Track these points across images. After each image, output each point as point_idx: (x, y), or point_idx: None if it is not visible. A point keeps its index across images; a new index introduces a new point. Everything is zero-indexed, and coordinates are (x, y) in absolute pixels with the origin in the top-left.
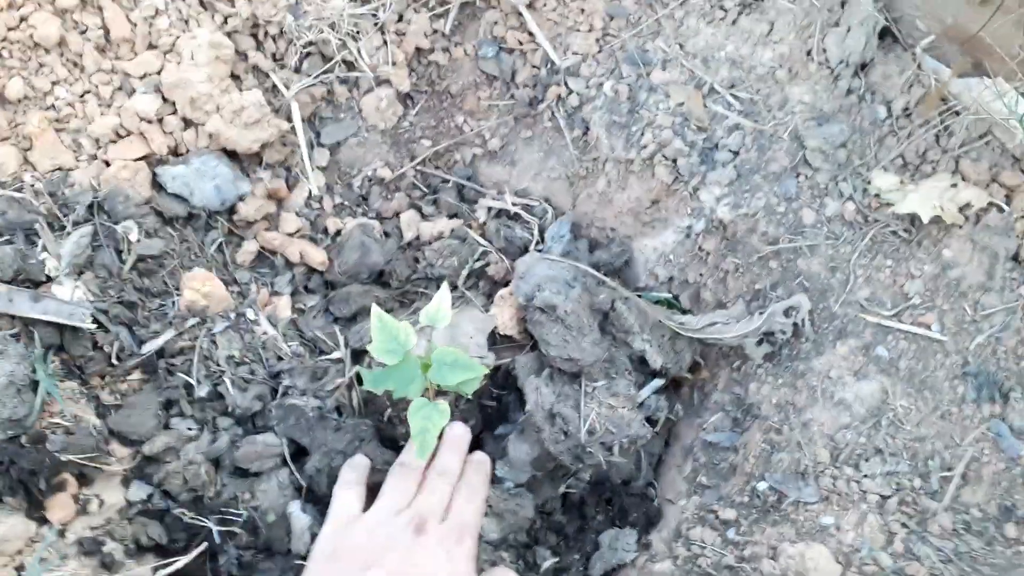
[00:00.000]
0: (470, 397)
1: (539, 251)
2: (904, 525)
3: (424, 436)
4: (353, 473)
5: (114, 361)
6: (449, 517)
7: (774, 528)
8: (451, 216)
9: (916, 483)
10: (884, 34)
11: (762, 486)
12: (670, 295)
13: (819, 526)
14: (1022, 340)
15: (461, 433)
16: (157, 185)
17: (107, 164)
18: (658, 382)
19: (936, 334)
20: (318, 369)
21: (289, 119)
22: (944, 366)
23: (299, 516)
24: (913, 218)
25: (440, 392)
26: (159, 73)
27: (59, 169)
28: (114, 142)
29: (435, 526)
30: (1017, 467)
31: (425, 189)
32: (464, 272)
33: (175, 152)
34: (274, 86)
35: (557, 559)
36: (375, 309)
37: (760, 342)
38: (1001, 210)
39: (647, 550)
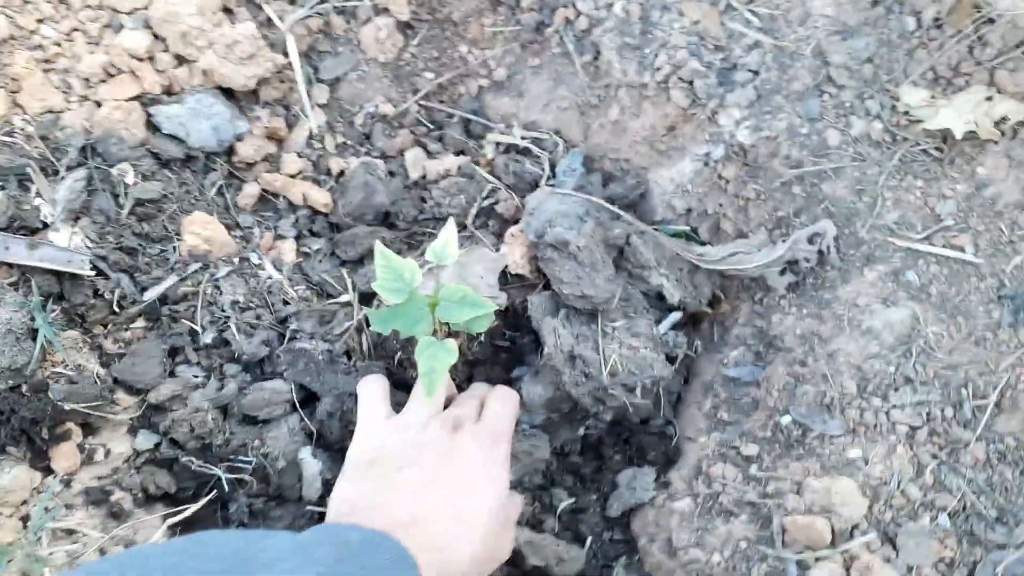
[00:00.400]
0: (482, 339)
1: (550, 186)
2: (935, 456)
3: (431, 375)
4: (375, 386)
5: (116, 309)
6: (483, 421)
7: (798, 463)
8: (458, 153)
9: (948, 412)
10: None
11: (786, 420)
12: (688, 227)
13: (845, 459)
14: None
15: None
16: (152, 126)
17: (98, 105)
18: (676, 316)
19: (970, 256)
20: (326, 313)
21: (285, 54)
22: (978, 290)
23: (310, 462)
24: (945, 135)
25: (451, 333)
26: (148, 8)
27: (49, 111)
28: (104, 81)
29: (471, 426)
30: None
31: (430, 125)
32: (473, 210)
33: (169, 91)
34: (268, 19)
35: (574, 500)
36: (379, 246)
37: (783, 271)
38: None
39: (666, 489)
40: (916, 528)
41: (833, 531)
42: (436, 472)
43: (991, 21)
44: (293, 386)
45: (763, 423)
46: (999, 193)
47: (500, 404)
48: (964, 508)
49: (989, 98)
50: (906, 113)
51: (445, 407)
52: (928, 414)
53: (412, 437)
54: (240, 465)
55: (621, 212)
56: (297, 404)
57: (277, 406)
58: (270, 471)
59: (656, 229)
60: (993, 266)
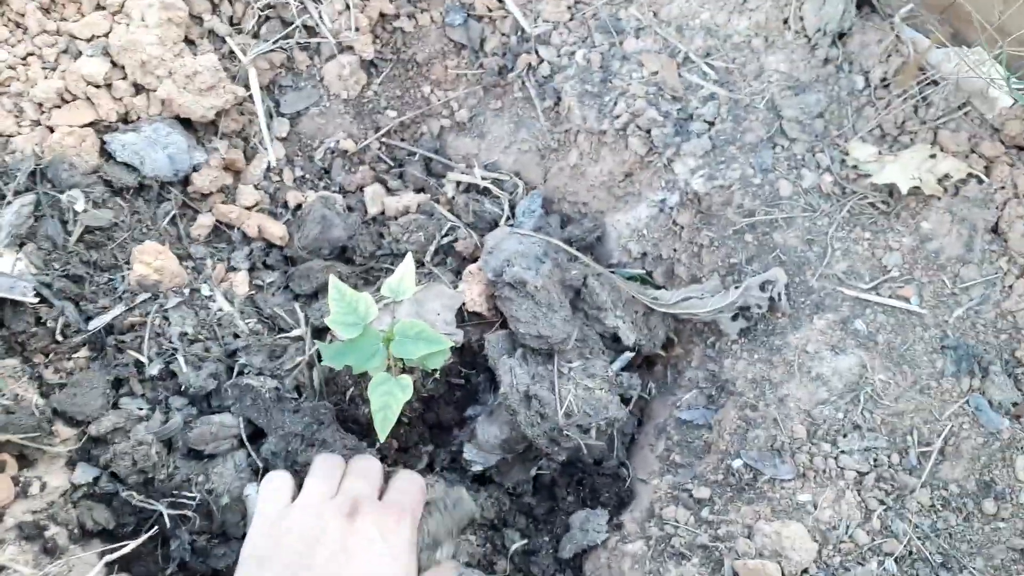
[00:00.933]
0: (436, 376)
1: (509, 226)
2: (882, 502)
3: (385, 412)
4: (279, 484)
5: (59, 337)
6: (385, 499)
7: (749, 506)
8: (418, 190)
9: (894, 459)
10: (862, 3)
11: (737, 464)
12: (643, 271)
13: (796, 504)
14: (1001, 313)
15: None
16: (106, 153)
17: (51, 130)
18: (628, 355)
19: (915, 307)
20: (276, 347)
21: (246, 86)
22: (923, 340)
23: (255, 499)
24: (891, 189)
25: (406, 369)
26: (107, 35)
27: None
28: (59, 107)
29: (369, 507)
30: (996, 442)
31: (390, 162)
32: (431, 248)
33: (125, 119)
34: (231, 52)
35: (526, 541)
36: (333, 280)
37: (735, 317)
38: (980, 181)
39: (619, 531)
40: (864, 573)
41: (783, 575)
42: (330, 568)
43: (935, 83)
44: (241, 421)
45: (715, 466)
46: (942, 247)
47: (406, 482)
48: (910, 553)
49: (933, 156)
50: (855, 167)
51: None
52: (875, 460)
53: (307, 530)
54: (183, 501)
55: (579, 254)
56: (245, 439)
57: (224, 441)
58: (214, 508)
59: (612, 272)
60: (937, 317)
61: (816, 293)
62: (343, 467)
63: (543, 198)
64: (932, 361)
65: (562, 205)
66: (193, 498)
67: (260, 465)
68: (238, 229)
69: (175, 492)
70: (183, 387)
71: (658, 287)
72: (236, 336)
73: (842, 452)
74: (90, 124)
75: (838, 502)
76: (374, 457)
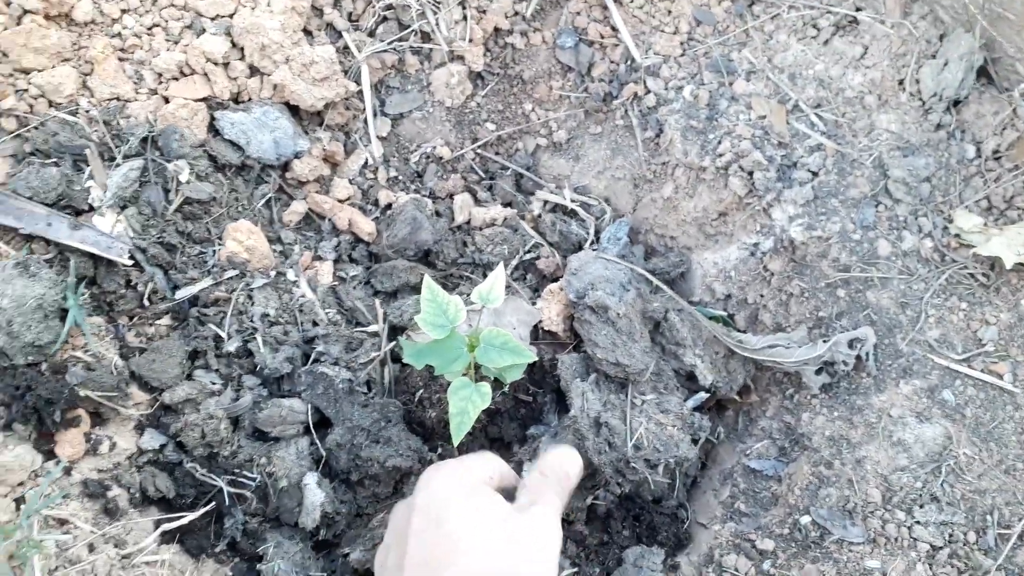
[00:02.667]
0: (506, 389)
1: (594, 250)
2: None
3: (462, 417)
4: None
5: (145, 302)
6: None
7: (814, 565)
8: (506, 204)
9: (971, 536)
10: (981, 73)
11: (805, 520)
12: (725, 313)
13: (863, 568)
14: None
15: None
16: (214, 129)
17: (166, 100)
18: (702, 396)
19: (1008, 384)
20: (353, 340)
21: (357, 82)
22: (1013, 419)
23: (313, 490)
24: (994, 263)
25: (480, 377)
26: (232, 16)
27: (116, 99)
28: (176, 79)
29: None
30: None
31: (482, 174)
32: (513, 262)
33: (236, 99)
34: (346, 47)
35: (576, 570)
36: (427, 279)
37: (820, 371)
38: None
39: (674, 572)
40: None
41: None
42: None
43: None
44: (309, 408)
45: (781, 519)
46: None
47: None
48: None
49: None
50: (957, 236)
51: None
52: (951, 535)
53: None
54: (244, 480)
55: (662, 286)
56: (312, 427)
57: (291, 426)
58: (271, 491)
59: (694, 308)
60: None
61: (905, 357)
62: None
63: (630, 227)
64: (1021, 442)
65: (648, 237)
66: (253, 479)
67: (323, 454)
68: (328, 220)
69: (236, 470)
70: (258, 367)
71: (741, 331)
72: (315, 324)
73: (917, 523)
74: (203, 99)
75: (908, 573)
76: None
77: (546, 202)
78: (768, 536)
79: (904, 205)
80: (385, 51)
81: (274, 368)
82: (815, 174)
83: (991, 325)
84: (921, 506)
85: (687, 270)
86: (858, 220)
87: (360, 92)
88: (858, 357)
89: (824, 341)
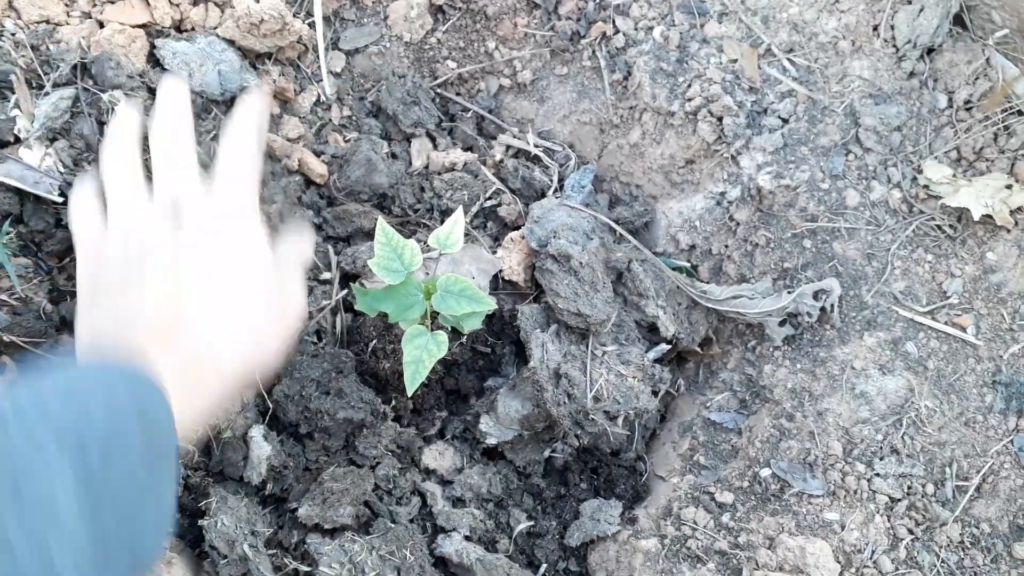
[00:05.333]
0: (463, 340)
1: (557, 198)
2: (911, 531)
3: (417, 366)
4: (87, 188)
5: None
6: (214, 195)
7: (773, 517)
8: (466, 148)
9: (929, 489)
10: (956, 21)
11: (765, 472)
12: (689, 264)
13: (822, 521)
14: None
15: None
16: (154, 59)
17: (101, 25)
18: (663, 347)
19: (971, 337)
20: None
21: (310, 13)
22: (975, 372)
23: (260, 443)
24: (961, 215)
25: (437, 326)
26: None
27: (46, 21)
28: (112, 2)
29: (199, 208)
30: None
31: (441, 116)
32: (473, 209)
33: (179, 27)
34: None
35: (532, 523)
36: (381, 222)
37: (783, 322)
38: None
39: (632, 525)
40: None
41: None
42: (167, 275)
43: (1020, 113)
44: None
45: (741, 472)
46: (1005, 280)
47: (235, 149)
48: None
49: (1008, 187)
50: (926, 187)
51: None
52: (910, 488)
53: (129, 249)
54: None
55: (627, 235)
56: (257, 378)
57: None
58: (214, 444)
59: (658, 259)
60: (992, 350)
61: (870, 309)
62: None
63: (595, 174)
64: (981, 395)
65: (613, 185)
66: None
67: (270, 406)
68: (276, 160)
69: None
70: None
71: (704, 282)
72: None
73: (877, 475)
74: (142, 26)
75: (866, 525)
76: (179, 113)
77: (509, 147)
78: (727, 489)
79: (874, 154)
80: None
81: None
82: (785, 121)
83: (956, 277)
84: (881, 458)
85: (652, 220)
86: (827, 169)
87: (312, 24)
88: (822, 309)
89: (788, 292)
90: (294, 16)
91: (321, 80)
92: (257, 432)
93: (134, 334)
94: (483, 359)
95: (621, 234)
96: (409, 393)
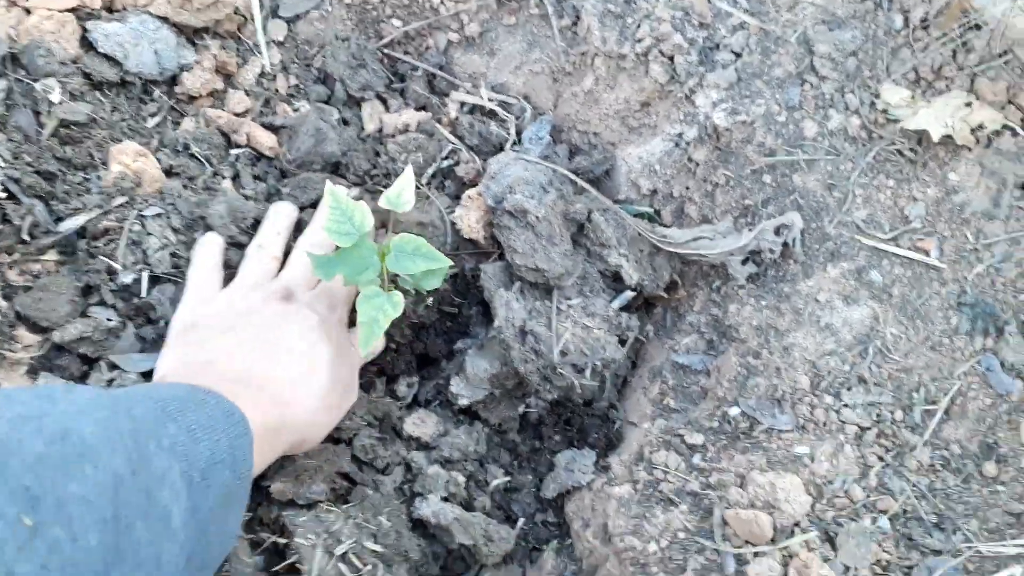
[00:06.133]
0: (428, 301)
1: (515, 151)
2: (881, 458)
3: (372, 327)
4: (207, 253)
5: (25, 237)
6: (317, 289)
7: (744, 456)
8: (419, 108)
9: (898, 415)
10: None
11: (734, 411)
12: (652, 209)
13: (792, 455)
14: (1023, 273)
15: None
16: (87, 43)
17: (28, 12)
18: (628, 294)
19: (934, 260)
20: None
21: None
22: (939, 295)
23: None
24: (921, 137)
25: (400, 290)
26: None
27: None
28: None
29: (303, 293)
30: (1004, 404)
31: (391, 76)
32: (430, 170)
33: (110, 8)
34: None
35: (508, 478)
36: (329, 186)
37: (745, 261)
38: (1016, 134)
39: (605, 473)
40: (856, 529)
41: (774, 527)
42: (265, 332)
43: (977, 27)
44: None
45: (710, 413)
46: (968, 200)
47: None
48: (905, 512)
49: (968, 104)
50: (884, 111)
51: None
52: (878, 415)
53: (237, 304)
54: None
55: (586, 186)
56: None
57: None
58: None
59: (619, 207)
60: (956, 272)
61: (832, 240)
62: (279, 263)
63: (552, 125)
64: (947, 318)
65: (572, 134)
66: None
67: None
68: (223, 135)
69: None
70: (162, 321)
71: (666, 226)
72: None
73: (845, 406)
74: (71, 9)
75: (836, 456)
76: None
77: (463, 103)
78: (697, 430)
79: (830, 82)
80: None
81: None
82: (738, 55)
83: (918, 201)
84: (849, 388)
85: (612, 167)
86: (783, 101)
87: None
88: (785, 244)
89: (749, 230)
90: None
91: (264, 51)
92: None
93: (225, 377)
94: (451, 320)
95: (581, 185)
96: (362, 353)
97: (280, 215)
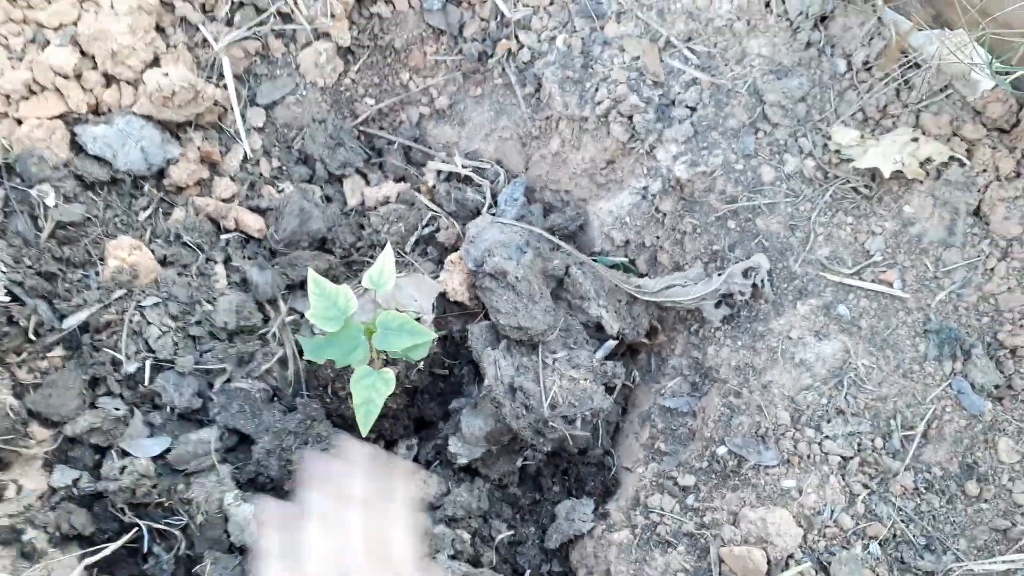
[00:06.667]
0: (420, 367)
1: (492, 215)
2: (865, 486)
3: (368, 407)
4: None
5: (32, 336)
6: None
7: (734, 493)
8: (398, 180)
9: (878, 443)
10: None
11: (722, 451)
12: (626, 259)
13: (780, 489)
14: (983, 296)
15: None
16: (76, 147)
17: (19, 123)
18: (611, 344)
19: (898, 291)
20: (244, 354)
21: (221, 75)
22: (906, 324)
23: (239, 506)
24: (874, 174)
25: (389, 361)
26: (76, 23)
27: None
28: (26, 98)
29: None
30: (979, 424)
31: (369, 152)
32: (412, 238)
33: (96, 111)
34: (204, 40)
35: (512, 532)
36: (311, 273)
37: (718, 304)
38: (962, 164)
39: (604, 520)
40: (848, 556)
41: (769, 561)
42: None
43: (917, 66)
44: (224, 433)
45: (700, 453)
46: (924, 230)
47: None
48: (894, 536)
49: (915, 139)
50: (837, 152)
51: None
52: (859, 444)
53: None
54: (169, 524)
55: (561, 243)
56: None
57: (204, 457)
58: (194, 528)
59: (595, 260)
60: (919, 301)
61: (799, 279)
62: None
63: (525, 187)
64: (915, 345)
65: (544, 193)
66: (180, 521)
67: (241, 479)
68: (215, 222)
69: (158, 510)
70: (168, 407)
71: (641, 275)
72: (213, 336)
73: (826, 437)
74: (60, 116)
75: (823, 487)
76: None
77: (439, 171)
78: (689, 472)
79: (782, 128)
80: (246, 38)
81: (184, 406)
82: (693, 109)
83: (877, 235)
84: (828, 421)
85: (585, 222)
86: (739, 150)
87: (225, 85)
88: (754, 285)
89: (719, 274)
90: (207, 81)
91: (245, 138)
92: (230, 497)
93: None
94: (443, 382)
95: (556, 243)
96: (364, 433)
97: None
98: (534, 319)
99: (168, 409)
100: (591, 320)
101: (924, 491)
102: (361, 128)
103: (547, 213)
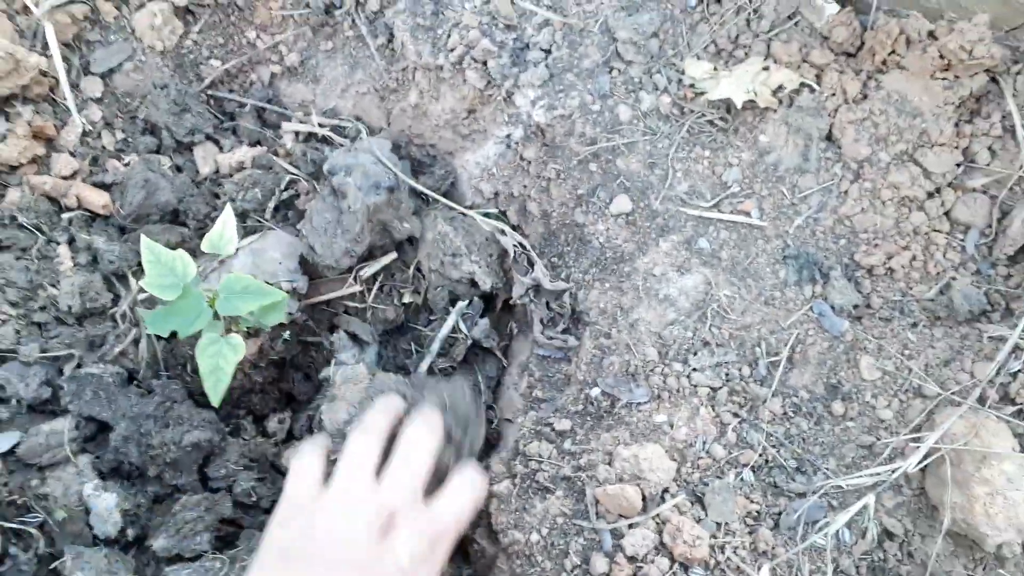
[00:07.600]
0: (286, 335)
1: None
2: (735, 415)
3: (217, 375)
4: (312, 460)
5: None
6: (428, 514)
7: (608, 433)
8: (253, 144)
9: (744, 371)
10: None
11: (595, 392)
12: (498, 210)
13: (652, 425)
14: (839, 219)
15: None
16: None
17: None
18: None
19: (756, 220)
20: (96, 338)
21: (45, 45)
22: (765, 252)
23: (101, 496)
24: (728, 105)
25: (251, 333)
26: None
27: None
28: None
29: (407, 523)
30: (840, 344)
31: (221, 116)
32: (271, 204)
33: None
34: (25, 7)
35: None
36: (144, 239)
37: None
38: (812, 90)
39: (486, 471)
40: (721, 485)
41: (644, 497)
42: (369, 555)
43: None
44: (79, 421)
45: (575, 397)
46: (780, 159)
47: (459, 491)
48: (766, 462)
49: (766, 68)
50: (691, 86)
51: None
52: (727, 375)
53: (335, 533)
54: (24, 522)
55: (437, 196)
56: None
57: (58, 449)
58: (53, 526)
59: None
60: (778, 228)
61: (660, 216)
62: (378, 456)
63: (391, 143)
64: (775, 272)
65: (410, 149)
66: (36, 518)
67: (104, 469)
68: (52, 200)
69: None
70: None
71: (515, 227)
72: (60, 322)
73: (694, 370)
74: None
75: (693, 419)
76: (426, 430)
77: (297, 133)
78: (565, 416)
79: (636, 66)
80: (71, 2)
81: (31, 397)
82: (548, 52)
83: (734, 167)
84: (695, 353)
85: (455, 179)
86: (595, 90)
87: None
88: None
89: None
90: (31, 50)
91: (81, 110)
92: (89, 487)
93: None
94: (316, 349)
95: (432, 196)
96: (215, 403)
97: (391, 404)
98: (328, 249)
99: (15, 402)
100: (464, 276)
101: (792, 415)
102: (209, 92)
103: (416, 175)
